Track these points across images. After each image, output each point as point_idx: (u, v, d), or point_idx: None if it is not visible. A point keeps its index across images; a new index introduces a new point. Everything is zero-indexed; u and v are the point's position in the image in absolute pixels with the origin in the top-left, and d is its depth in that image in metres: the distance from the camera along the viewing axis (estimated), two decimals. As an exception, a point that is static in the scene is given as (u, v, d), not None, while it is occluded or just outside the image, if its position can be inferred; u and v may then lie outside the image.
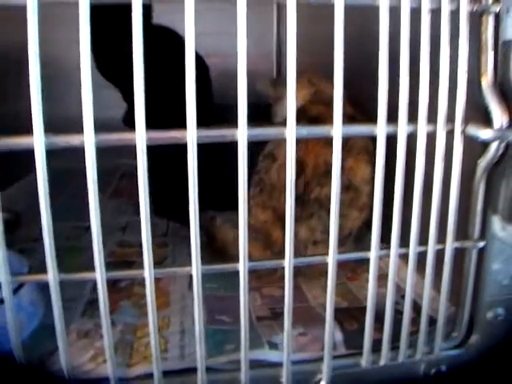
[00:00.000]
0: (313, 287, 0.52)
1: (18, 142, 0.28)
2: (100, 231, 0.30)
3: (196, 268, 0.32)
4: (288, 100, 0.30)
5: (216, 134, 0.30)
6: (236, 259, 0.32)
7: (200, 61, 0.91)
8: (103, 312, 0.32)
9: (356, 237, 0.56)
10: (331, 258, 0.33)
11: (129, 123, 0.62)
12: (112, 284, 0.52)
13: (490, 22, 0.34)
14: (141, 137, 0.29)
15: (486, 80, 0.34)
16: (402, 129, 0.32)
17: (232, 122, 0.30)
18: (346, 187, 0.52)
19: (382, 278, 0.35)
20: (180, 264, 0.33)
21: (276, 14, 1.11)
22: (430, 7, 0.31)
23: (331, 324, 0.35)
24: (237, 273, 0.32)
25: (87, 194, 0.29)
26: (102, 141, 0.28)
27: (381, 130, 0.31)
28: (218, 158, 0.48)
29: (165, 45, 0.71)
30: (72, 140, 0.28)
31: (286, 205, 0.31)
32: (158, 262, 0.57)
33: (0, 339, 0.35)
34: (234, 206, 0.31)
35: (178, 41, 0.83)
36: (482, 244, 0.37)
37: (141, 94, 0.28)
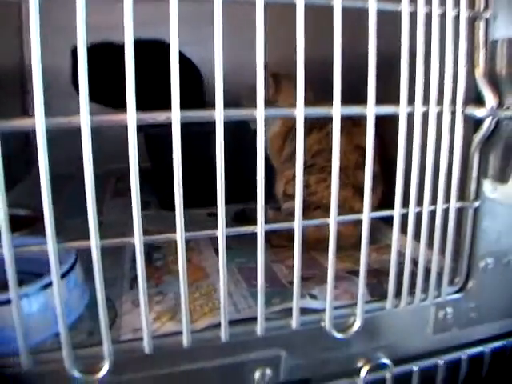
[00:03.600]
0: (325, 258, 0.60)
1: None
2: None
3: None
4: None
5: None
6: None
7: (190, 64, 0.97)
8: (181, 270, 0.38)
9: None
10: (366, 216, 0.40)
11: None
12: (148, 263, 0.57)
13: (481, 26, 0.43)
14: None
15: (479, 71, 0.43)
16: (419, 110, 0.40)
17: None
18: None
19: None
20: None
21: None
22: (438, 13, 0.39)
23: (363, 274, 0.42)
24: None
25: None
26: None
27: (403, 110, 0.39)
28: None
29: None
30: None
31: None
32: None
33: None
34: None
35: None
36: (477, 203, 0.46)
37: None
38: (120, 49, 0.32)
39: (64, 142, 0.42)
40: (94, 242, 0.34)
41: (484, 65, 0.43)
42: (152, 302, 0.47)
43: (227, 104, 0.34)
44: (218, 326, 0.40)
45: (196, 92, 0.97)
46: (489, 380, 0.54)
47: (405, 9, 0.38)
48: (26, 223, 0.63)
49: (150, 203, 0.83)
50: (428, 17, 0.39)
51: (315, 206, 0.63)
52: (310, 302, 0.45)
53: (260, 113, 0.35)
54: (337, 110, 0.37)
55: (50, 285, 0.43)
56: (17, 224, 0.53)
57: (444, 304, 0.48)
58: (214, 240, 0.37)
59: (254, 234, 0.38)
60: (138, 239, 0.36)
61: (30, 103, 1.08)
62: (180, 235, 0.37)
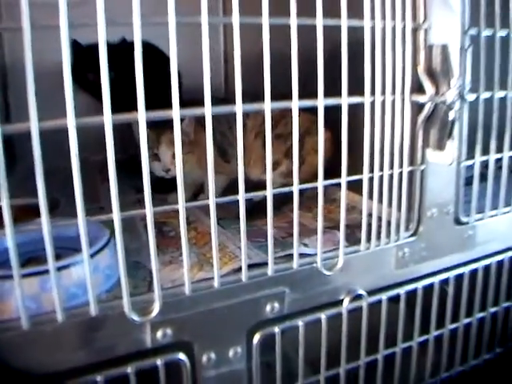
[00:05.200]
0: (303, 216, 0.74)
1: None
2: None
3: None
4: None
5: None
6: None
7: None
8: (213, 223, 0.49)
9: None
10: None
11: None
12: (161, 236, 0.68)
13: (421, 34, 0.57)
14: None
15: (420, 68, 0.57)
16: (378, 99, 0.54)
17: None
18: None
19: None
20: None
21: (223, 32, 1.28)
22: (391, 26, 0.53)
23: (344, 226, 0.56)
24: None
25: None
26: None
27: (367, 99, 0.53)
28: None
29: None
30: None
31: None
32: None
33: (78, 292, 0.50)
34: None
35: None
36: (423, 167, 0.61)
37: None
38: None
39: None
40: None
41: (424, 63, 0.57)
42: (178, 262, 0.59)
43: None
44: (238, 270, 0.53)
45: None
46: (439, 307, 0.70)
47: (366, 24, 0.51)
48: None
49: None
50: (382, 29, 0.53)
51: None
52: (304, 249, 0.59)
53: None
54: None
55: (96, 253, 0.54)
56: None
57: (402, 246, 0.63)
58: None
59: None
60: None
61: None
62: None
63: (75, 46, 0.93)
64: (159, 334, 0.51)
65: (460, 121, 0.62)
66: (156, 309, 0.49)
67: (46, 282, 0.48)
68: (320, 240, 0.55)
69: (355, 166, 0.55)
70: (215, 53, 1.30)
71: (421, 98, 0.56)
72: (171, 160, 0.79)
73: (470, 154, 0.66)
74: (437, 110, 0.57)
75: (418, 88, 0.57)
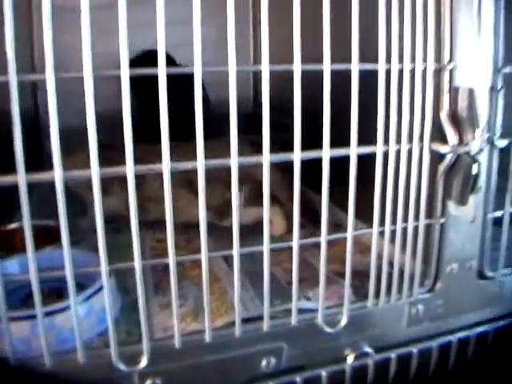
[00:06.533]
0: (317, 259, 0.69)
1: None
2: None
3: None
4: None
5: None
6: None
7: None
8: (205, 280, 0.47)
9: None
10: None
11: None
12: (164, 268, 0.66)
13: (446, 75, 0.52)
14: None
15: (443, 113, 0.52)
16: (392, 148, 0.49)
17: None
18: None
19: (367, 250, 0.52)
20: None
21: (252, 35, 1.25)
22: (410, 68, 0.48)
23: (349, 280, 0.52)
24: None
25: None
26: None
27: (379, 149, 0.49)
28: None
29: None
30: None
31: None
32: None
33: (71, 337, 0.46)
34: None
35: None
36: (442, 220, 0.55)
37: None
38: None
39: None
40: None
41: (447, 107, 0.52)
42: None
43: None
44: (233, 323, 0.50)
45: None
46: (457, 367, 0.64)
47: (381, 67, 0.47)
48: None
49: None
50: (401, 72, 0.48)
51: None
52: (305, 303, 0.55)
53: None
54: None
55: (92, 295, 0.52)
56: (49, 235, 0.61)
57: (416, 302, 0.58)
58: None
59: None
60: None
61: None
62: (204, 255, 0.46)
63: None
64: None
65: (489, 169, 0.57)
66: (144, 360, 0.47)
67: (37, 326, 0.47)
68: (322, 295, 0.51)
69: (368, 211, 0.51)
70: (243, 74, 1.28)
71: (442, 148, 0.51)
72: None
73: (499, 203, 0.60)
74: (459, 161, 0.52)
75: (439, 135, 0.52)
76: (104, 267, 0.43)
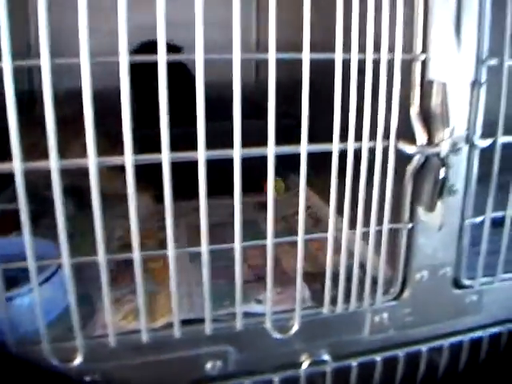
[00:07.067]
0: (287, 256, 0.66)
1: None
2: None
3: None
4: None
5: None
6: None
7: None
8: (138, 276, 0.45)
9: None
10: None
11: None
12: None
13: (417, 67, 0.47)
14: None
15: (414, 109, 0.47)
16: (351, 145, 0.45)
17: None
18: None
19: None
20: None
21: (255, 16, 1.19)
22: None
23: (300, 284, 0.48)
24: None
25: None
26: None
27: (335, 147, 0.44)
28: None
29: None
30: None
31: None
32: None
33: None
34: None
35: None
36: (410, 225, 0.51)
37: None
38: None
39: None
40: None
41: (418, 103, 0.47)
42: (124, 301, 0.54)
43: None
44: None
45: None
46: (426, 377, 0.61)
47: (338, 57, 0.43)
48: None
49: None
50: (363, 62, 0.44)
51: None
52: (254, 306, 0.52)
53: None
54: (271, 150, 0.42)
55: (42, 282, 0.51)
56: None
57: (380, 310, 0.54)
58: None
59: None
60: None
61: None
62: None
63: None
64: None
65: (468, 171, 0.52)
66: (79, 358, 0.45)
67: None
68: (269, 299, 0.48)
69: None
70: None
71: (408, 148, 0.46)
72: None
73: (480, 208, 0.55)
74: (428, 163, 0.47)
75: (409, 134, 0.47)
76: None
